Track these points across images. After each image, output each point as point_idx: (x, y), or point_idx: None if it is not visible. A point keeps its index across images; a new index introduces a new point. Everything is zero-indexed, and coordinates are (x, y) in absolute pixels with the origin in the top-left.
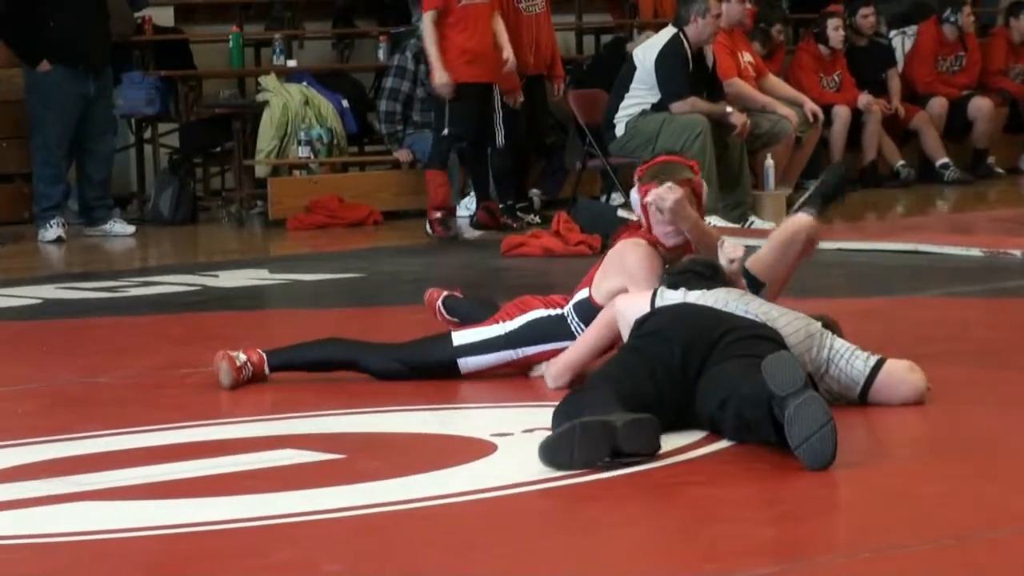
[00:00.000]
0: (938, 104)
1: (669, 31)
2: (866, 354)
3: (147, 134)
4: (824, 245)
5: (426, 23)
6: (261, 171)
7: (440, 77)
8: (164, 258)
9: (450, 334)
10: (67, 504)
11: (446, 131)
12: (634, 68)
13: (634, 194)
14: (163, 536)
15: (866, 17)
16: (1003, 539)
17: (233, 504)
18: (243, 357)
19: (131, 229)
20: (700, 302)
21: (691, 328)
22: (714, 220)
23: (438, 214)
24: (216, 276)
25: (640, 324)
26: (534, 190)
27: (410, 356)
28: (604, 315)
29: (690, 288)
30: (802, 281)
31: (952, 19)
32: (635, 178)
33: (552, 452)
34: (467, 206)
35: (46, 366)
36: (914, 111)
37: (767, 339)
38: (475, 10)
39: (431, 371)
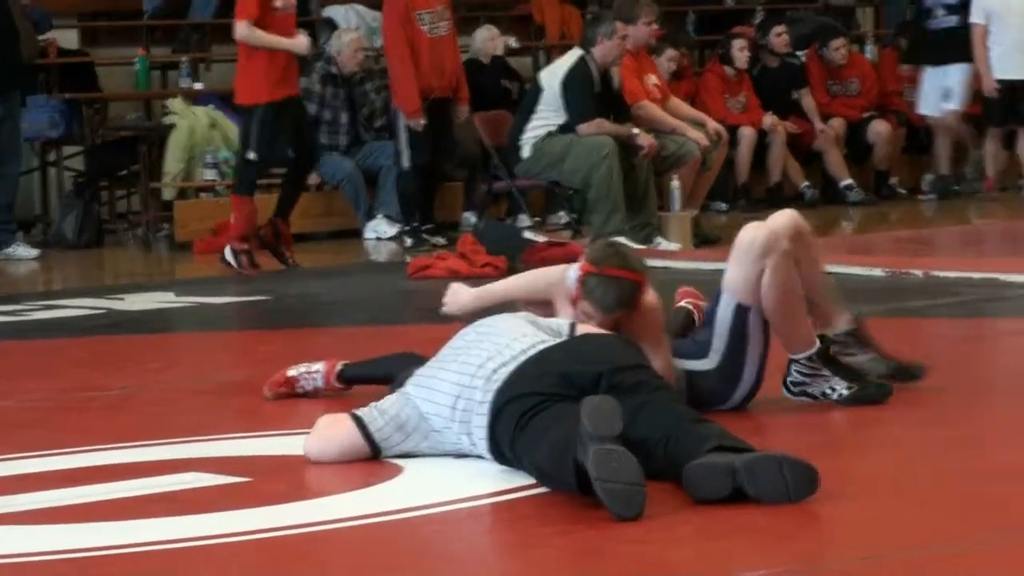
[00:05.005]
0: (837, 123)
1: (575, 53)
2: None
3: (51, 157)
4: None
5: (246, 31)
6: (167, 194)
7: (299, 44)
8: (68, 281)
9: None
10: None
11: (252, 155)
12: (540, 90)
13: (572, 272)
14: (69, 560)
15: (779, 36)
16: (916, 560)
17: (137, 528)
18: (316, 366)
19: (35, 252)
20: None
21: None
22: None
23: (245, 245)
24: (122, 299)
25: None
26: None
27: None
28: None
29: None
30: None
31: (822, 51)
32: (579, 274)
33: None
34: (374, 228)
35: None
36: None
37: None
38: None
39: None
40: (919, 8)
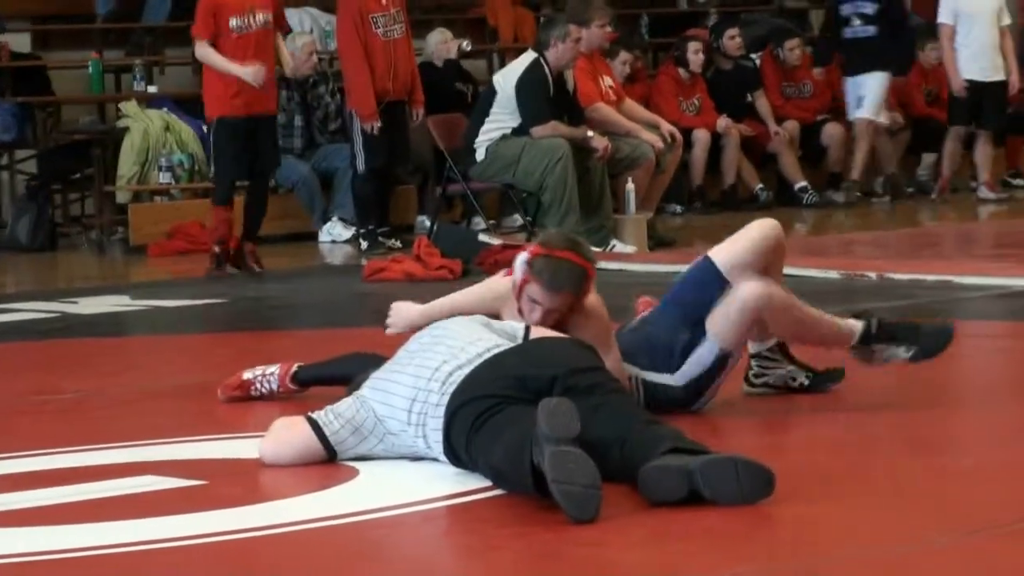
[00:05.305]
0: (790, 126)
1: (529, 55)
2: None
3: (4, 160)
4: (685, 269)
5: (199, 50)
6: (122, 197)
7: (247, 72)
8: (22, 285)
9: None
10: None
11: (212, 170)
12: (494, 93)
13: (520, 257)
14: (22, 564)
15: (732, 38)
16: (872, 561)
17: (91, 532)
18: (271, 369)
19: None
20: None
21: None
22: None
23: (216, 249)
24: (76, 303)
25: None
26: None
27: None
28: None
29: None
30: None
31: (776, 52)
32: (527, 256)
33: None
34: (328, 231)
35: None
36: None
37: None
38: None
39: None
40: (835, 15)
